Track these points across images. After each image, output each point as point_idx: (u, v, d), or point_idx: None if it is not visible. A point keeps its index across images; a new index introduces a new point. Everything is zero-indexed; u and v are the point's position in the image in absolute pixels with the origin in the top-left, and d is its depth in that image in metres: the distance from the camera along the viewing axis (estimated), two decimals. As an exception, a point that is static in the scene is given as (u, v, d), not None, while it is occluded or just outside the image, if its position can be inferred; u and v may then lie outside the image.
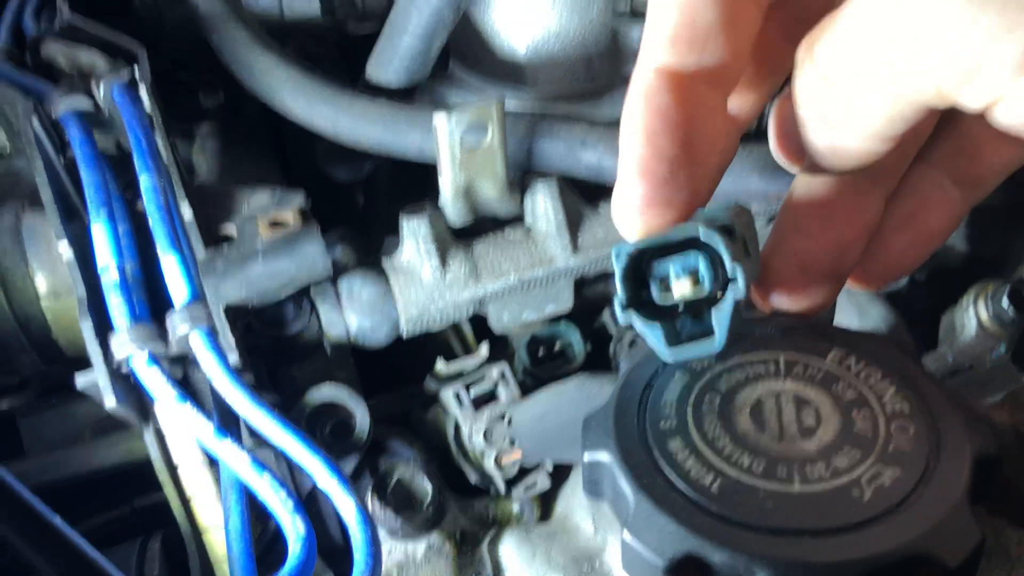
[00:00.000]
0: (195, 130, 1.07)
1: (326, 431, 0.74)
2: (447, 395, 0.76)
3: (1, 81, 0.79)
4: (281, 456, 0.68)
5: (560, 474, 0.75)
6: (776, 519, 0.41)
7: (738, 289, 0.45)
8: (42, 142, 0.72)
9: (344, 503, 0.61)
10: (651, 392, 0.49)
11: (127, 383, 0.67)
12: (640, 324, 0.49)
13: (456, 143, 0.71)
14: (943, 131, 0.53)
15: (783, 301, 0.52)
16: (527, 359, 0.91)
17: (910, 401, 0.46)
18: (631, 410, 0.48)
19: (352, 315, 0.78)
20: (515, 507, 0.76)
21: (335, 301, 0.78)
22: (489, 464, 0.74)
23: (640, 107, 0.46)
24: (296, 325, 0.78)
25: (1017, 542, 0.49)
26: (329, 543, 0.71)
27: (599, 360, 0.95)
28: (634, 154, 0.46)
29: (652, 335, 0.49)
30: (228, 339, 0.65)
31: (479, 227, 0.83)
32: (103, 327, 0.65)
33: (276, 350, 0.79)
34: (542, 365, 0.92)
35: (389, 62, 0.83)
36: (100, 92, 0.77)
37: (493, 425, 0.75)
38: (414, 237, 0.78)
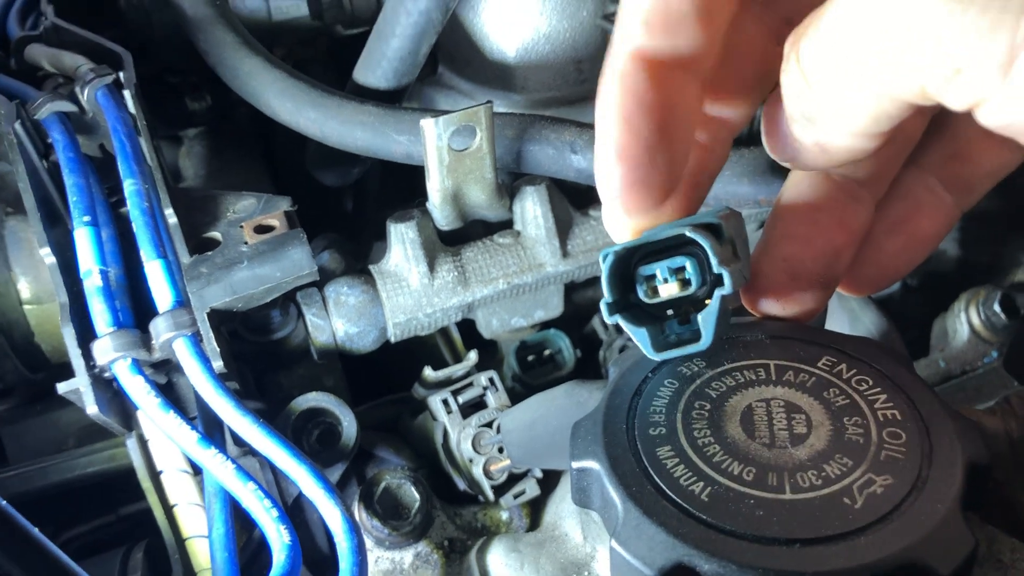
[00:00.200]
0: (182, 135, 1.06)
1: (312, 439, 0.73)
2: (435, 402, 0.76)
3: (-17, 84, 0.79)
4: (266, 464, 0.67)
5: (549, 482, 0.75)
6: (767, 528, 0.40)
7: (725, 289, 0.45)
8: (25, 146, 0.71)
9: (330, 512, 0.60)
10: (640, 399, 0.48)
11: (110, 390, 0.66)
12: (627, 326, 0.48)
13: (444, 147, 0.70)
14: (934, 135, 0.53)
15: (773, 307, 0.52)
16: (516, 365, 0.90)
17: (902, 408, 0.46)
18: (620, 417, 0.47)
19: (339, 321, 0.77)
20: (504, 515, 0.76)
21: (322, 307, 0.77)
22: (477, 471, 0.73)
23: (615, 89, 0.46)
24: (283, 331, 0.78)
25: (1010, 549, 0.48)
26: (315, 552, 0.70)
27: (589, 366, 0.95)
28: (611, 136, 0.46)
29: (639, 337, 0.49)
30: (213, 345, 0.64)
31: (468, 232, 0.82)
32: (86, 333, 0.65)
33: (263, 356, 0.79)
34: (531, 371, 0.91)
35: (377, 65, 0.82)
36: (84, 95, 0.76)
37: (481, 432, 0.74)
38: (402, 242, 0.77)
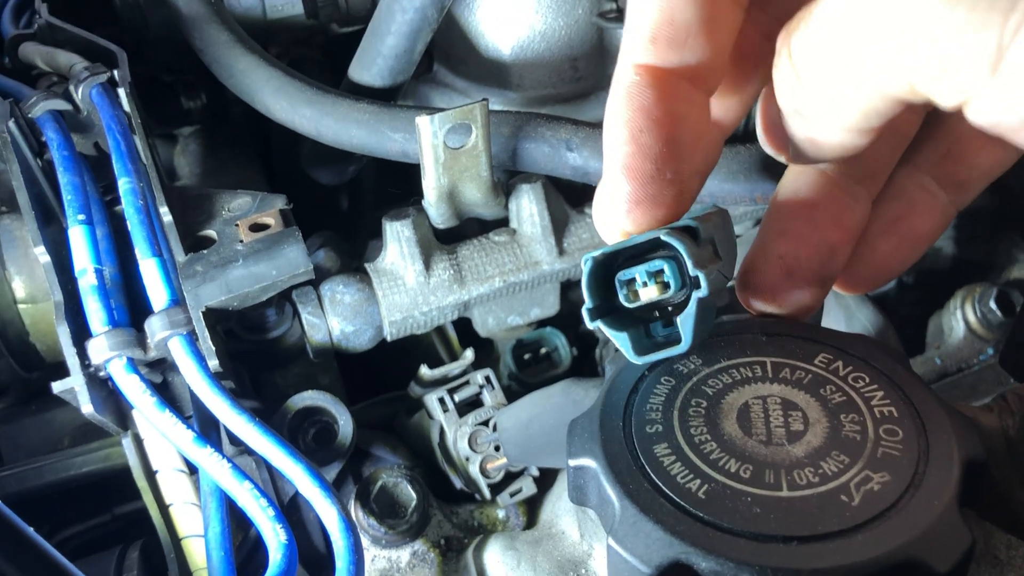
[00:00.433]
0: (177, 133, 1.06)
1: (308, 437, 0.73)
2: (432, 400, 0.76)
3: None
4: (262, 463, 0.67)
5: (546, 480, 0.75)
6: (764, 525, 0.40)
7: (702, 291, 0.45)
8: (19, 144, 0.71)
9: (326, 511, 0.60)
10: (637, 397, 0.48)
11: (105, 389, 0.66)
12: (608, 331, 0.49)
13: (440, 145, 0.70)
14: (928, 133, 0.53)
15: (769, 304, 0.52)
16: (512, 364, 0.90)
17: (898, 405, 0.46)
18: (617, 415, 0.47)
19: (335, 319, 0.77)
20: (500, 513, 0.76)
21: (317, 305, 0.77)
22: (474, 470, 0.73)
23: (623, 105, 0.46)
24: (278, 330, 0.78)
25: (1006, 545, 0.48)
26: (311, 551, 0.70)
27: (585, 365, 0.95)
28: (619, 152, 0.46)
29: (620, 341, 0.49)
30: (208, 344, 0.64)
31: (464, 230, 0.82)
32: (81, 332, 0.64)
33: (258, 355, 0.78)
34: (527, 370, 0.91)
35: (372, 62, 0.82)
36: (79, 94, 0.76)
37: (478, 430, 0.74)
38: (398, 241, 0.77)
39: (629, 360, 0.50)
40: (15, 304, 0.78)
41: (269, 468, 0.67)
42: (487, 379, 0.77)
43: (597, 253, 0.48)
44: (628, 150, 0.45)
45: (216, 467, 0.61)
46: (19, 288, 0.77)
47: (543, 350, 0.93)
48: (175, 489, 0.67)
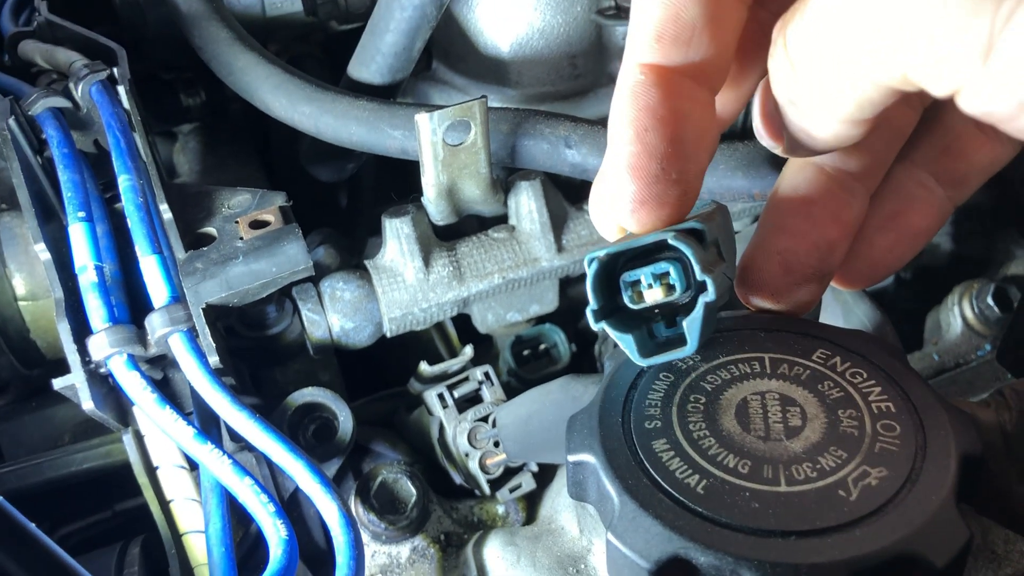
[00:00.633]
0: (177, 131, 1.06)
1: (309, 434, 0.73)
2: (431, 396, 0.76)
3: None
4: (263, 459, 0.67)
5: (545, 475, 0.75)
6: (762, 520, 0.41)
7: (709, 296, 0.45)
8: (19, 142, 0.71)
9: (326, 506, 0.60)
10: (636, 393, 0.49)
11: (105, 385, 0.66)
12: (613, 333, 0.48)
13: (439, 142, 0.70)
14: (926, 129, 0.53)
15: (767, 300, 0.52)
16: (512, 360, 0.91)
17: (896, 400, 0.46)
18: (616, 411, 0.48)
19: (335, 316, 0.77)
20: (500, 509, 0.76)
21: (317, 302, 0.77)
22: (474, 466, 0.74)
23: (628, 104, 0.46)
24: (278, 326, 0.78)
25: (1003, 540, 0.48)
26: (311, 547, 0.70)
27: (584, 361, 0.95)
28: (624, 151, 0.46)
29: (625, 343, 0.49)
30: (208, 340, 0.64)
31: (463, 227, 0.82)
32: (81, 329, 0.65)
33: (258, 352, 0.79)
34: (527, 366, 0.91)
35: (371, 60, 0.82)
36: (78, 91, 0.76)
37: (477, 427, 0.74)
38: (397, 238, 0.77)
39: (633, 361, 0.50)
40: (15, 301, 0.78)
41: (269, 464, 0.68)
42: (486, 375, 0.77)
43: (602, 254, 0.47)
44: (633, 149, 0.45)
45: (217, 463, 0.61)
46: (19, 285, 0.78)
47: (542, 346, 0.93)
48: (176, 485, 0.67)
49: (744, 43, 0.50)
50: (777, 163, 0.66)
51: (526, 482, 0.74)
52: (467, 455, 0.74)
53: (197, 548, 0.66)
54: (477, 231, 0.82)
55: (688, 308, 0.47)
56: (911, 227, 0.54)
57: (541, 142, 0.74)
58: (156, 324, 0.65)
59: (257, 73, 0.81)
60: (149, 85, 0.99)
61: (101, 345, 0.63)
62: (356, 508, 0.71)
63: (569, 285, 0.89)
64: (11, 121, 0.70)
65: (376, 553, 0.71)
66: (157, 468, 0.68)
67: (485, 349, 0.93)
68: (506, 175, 0.83)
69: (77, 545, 0.78)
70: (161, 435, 0.66)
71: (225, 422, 0.64)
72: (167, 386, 0.69)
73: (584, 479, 0.46)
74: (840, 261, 0.52)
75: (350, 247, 0.90)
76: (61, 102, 0.75)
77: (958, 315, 0.91)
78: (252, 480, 0.60)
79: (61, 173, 0.69)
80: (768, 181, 0.70)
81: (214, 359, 0.65)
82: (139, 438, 0.68)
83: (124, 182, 0.69)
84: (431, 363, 0.80)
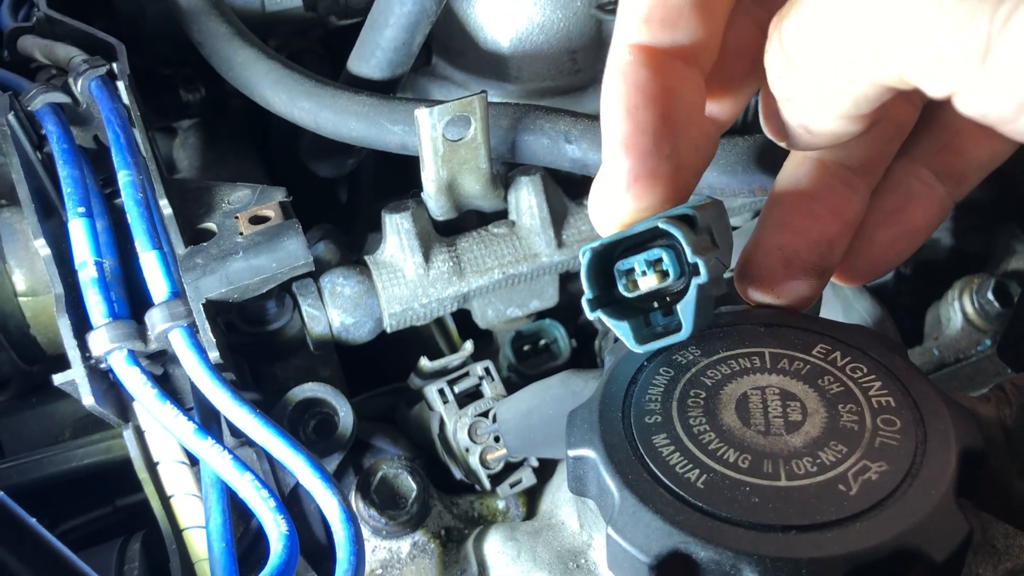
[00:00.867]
0: (176, 126, 1.06)
1: (309, 429, 0.73)
2: (432, 392, 0.76)
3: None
4: (263, 454, 0.67)
5: (545, 470, 0.75)
6: (763, 515, 0.41)
7: (702, 278, 0.45)
8: (19, 137, 0.71)
9: (327, 502, 0.60)
10: (636, 388, 0.49)
11: (106, 381, 0.66)
12: (608, 320, 0.49)
13: (439, 137, 0.70)
14: (925, 125, 0.53)
15: (767, 295, 0.52)
16: (512, 355, 0.91)
17: (896, 395, 0.46)
18: (616, 406, 0.48)
19: (335, 311, 0.77)
20: (500, 504, 0.76)
21: (317, 297, 0.77)
22: (474, 461, 0.74)
23: (619, 83, 0.46)
24: (278, 322, 0.78)
25: (1003, 535, 0.48)
26: (312, 542, 0.70)
27: (584, 356, 0.95)
28: (616, 130, 0.46)
29: (620, 330, 0.49)
30: (208, 336, 0.64)
31: (463, 222, 0.82)
32: (82, 325, 0.65)
33: (258, 348, 0.79)
34: (527, 361, 0.91)
35: (371, 55, 0.82)
36: (78, 87, 0.76)
37: (478, 422, 0.74)
38: (397, 233, 0.77)
39: (630, 349, 0.50)
40: (15, 297, 0.78)
41: (270, 459, 0.68)
42: (487, 370, 0.77)
43: (596, 244, 0.48)
44: (625, 127, 0.46)
45: (217, 458, 0.61)
46: (19, 281, 0.78)
47: (542, 342, 0.93)
48: (176, 481, 0.67)
49: (742, 43, 0.50)
50: (777, 159, 0.66)
51: (526, 477, 0.74)
52: (467, 450, 0.74)
53: (198, 544, 0.66)
54: (477, 226, 0.82)
55: (683, 295, 0.47)
56: (911, 223, 0.54)
57: (541, 137, 0.74)
58: (156, 320, 0.65)
59: (257, 69, 0.80)
60: (149, 81, 0.98)
61: (101, 341, 0.63)
62: (356, 503, 0.71)
63: (569, 280, 0.89)
64: (10, 117, 0.70)
65: (376, 548, 0.71)
66: (157, 464, 0.68)
67: (485, 344, 0.93)
68: (506, 170, 0.83)
69: (78, 541, 0.77)
70: (161, 431, 0.67)
71: (225, 417, 0.64)
72: (167, 382, 0.70)
73: (584, 474, 0.46)
74: (840, 256, 0.52)
75: (350, 243, 0.90)
76: (60, 98, 0.75)
77: (958, 310, 0.91)
78: (253, 475, 0.60)
79: (61, 169, 0.69)
80: (768, 177, 0.70)
81: (214, 354, 0.65)
82: (139, 434, 0.68)
83: (124, 178, 0.69)
84: (431, 358, 0.80)
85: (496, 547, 0.67)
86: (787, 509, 0.41)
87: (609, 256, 0.49)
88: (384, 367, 0.91)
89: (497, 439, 0.73)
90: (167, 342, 0.65)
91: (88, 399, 0.63)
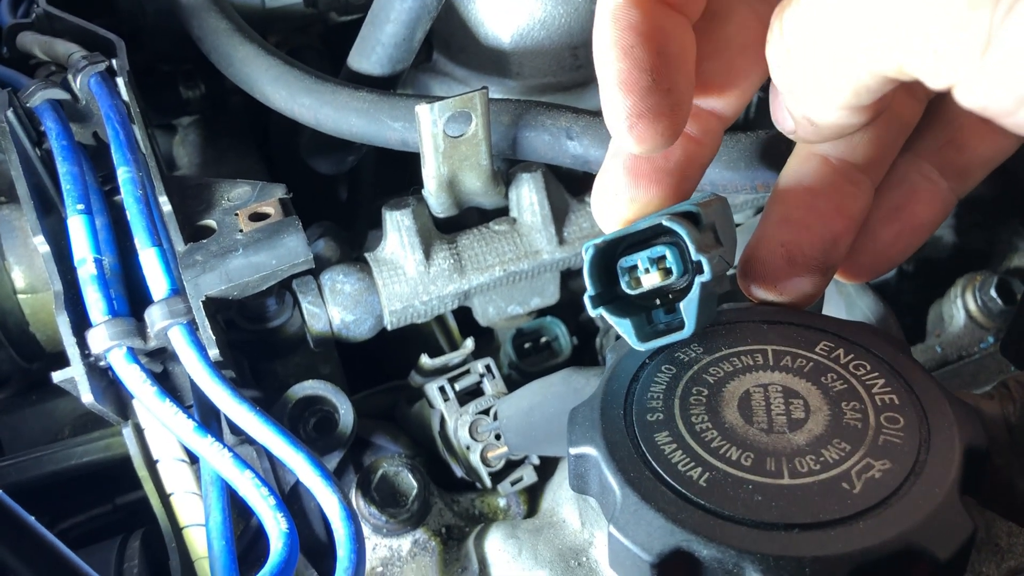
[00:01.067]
0: (176, 123, 1.06)
1: (309, 427, 0.73)
2: (432, 389, 0.76)
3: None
4: (263, 452, 0.67)
5: (547, 468, 0.75)
6: (765, 513, 0.40)
7: (705, 275, 0.45)
8: (18, 134, 0.71)
9: (327, 499, 0.60)
10: (638, 385, 0.48)
11: (105, 379, 0.66)
12: (611, 317, 0.49)
13: (439, 134, 0.70)
14: (929, 121, 0.53)
15: (770, 292, 0.52)
16: (513, 353, 0.90)
17: (900, 393, 0.46)
18: (618, 403, 0.47)
19: (335, 309, 0.77)
20: (501, 502, 0.76)
21: (318, 295, 0.77)
22: (475, 459, 0.73)
23: (611, 27, 0.46)
24: (278, 319, 0.78)
25: (1007, 533, 0.48)
26: (312, 540, 0.70)
27: (585, 354, 0.95)
28: (613, 70, 0.46)
29: (623, 328, 0.49)
30: (208, 333, 0.64)
31: (464, 219, 0.82)
32: (81, 322, 0.64)
33: (258, 345, 0.78)
34: (528, 359, 0.91)
35: (371, 51, 0.82)
36: (77, 83, 0.75)
37: (479, 419, 0.74)
38: (397, 230, 0.77)
39: (632, 346, 0.50)
40: (15, 294, 0.78)
41: (270, 457, 0.67)
42: (487, 368, 0.77)
43: (599, 240, 0.48)
44: (622, 66, 0.46)
45: (217, 456, 0.61)
46: (18, 278, 0.77)
47: (543, 339, 0.93)
48: (176, 478, 0.67)
49: (745, 38, 0.50)
50: (780, 155, 0.66)
51: (527, 475, 0.74)
52: (468, 448, 0.74)
53: (197, 541, 0.66)
54: (478, 223, 0.82)
55: (686, 293, 0.47)
56: (915, 219, 0.54)
57: (542, 133, 0.74)
58: (156, 317, 0.64)
59: (257, 65, 0.80)
60: (148, 77, 0.98)
61: (100, 338, 0.63)
62: (357, 501, 0.71)
63: (570, 278, 0.89)
64: (9, 113, 0.70)
65: (377, 546, 0.71)
66: (157, 461, 0.67)
67: (486, 342, 0.93)
68: (507, 167, 0.83)
69: (77, 538, 0.78)
70: (161, 428, 0.66)
71: (225, 415, 0.64)
72: (167, 379, 0.69)
73: (586, 472, 0.46)
74: (844, 253, 0.52)
75: (350, 240, 0.90)
76: (60, 94, 0.75)
77: (961, 307, 0.90)
78: (252, 473, 0.60)
79: (60, 165, 0.69)
80: (771, 173, 0.69)
81: (214, 352, 0.64)
82: (139, 431, 0.68)
83: (123, 174, 0.69)
84: (432, 356, 0.80)
85: (497, 545, 0.67)
86: (790, 507, 0.40)
87: (612, 253, 0.49)
88: (384, 365, 0.90)
89: (498, 437, 0.73)
90: (167, 339, 0.65)
91: (87, 397, 0.63)
